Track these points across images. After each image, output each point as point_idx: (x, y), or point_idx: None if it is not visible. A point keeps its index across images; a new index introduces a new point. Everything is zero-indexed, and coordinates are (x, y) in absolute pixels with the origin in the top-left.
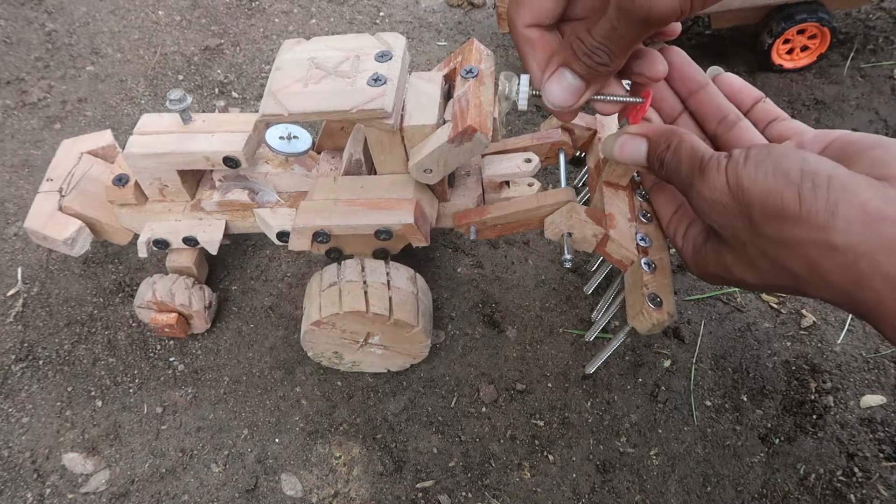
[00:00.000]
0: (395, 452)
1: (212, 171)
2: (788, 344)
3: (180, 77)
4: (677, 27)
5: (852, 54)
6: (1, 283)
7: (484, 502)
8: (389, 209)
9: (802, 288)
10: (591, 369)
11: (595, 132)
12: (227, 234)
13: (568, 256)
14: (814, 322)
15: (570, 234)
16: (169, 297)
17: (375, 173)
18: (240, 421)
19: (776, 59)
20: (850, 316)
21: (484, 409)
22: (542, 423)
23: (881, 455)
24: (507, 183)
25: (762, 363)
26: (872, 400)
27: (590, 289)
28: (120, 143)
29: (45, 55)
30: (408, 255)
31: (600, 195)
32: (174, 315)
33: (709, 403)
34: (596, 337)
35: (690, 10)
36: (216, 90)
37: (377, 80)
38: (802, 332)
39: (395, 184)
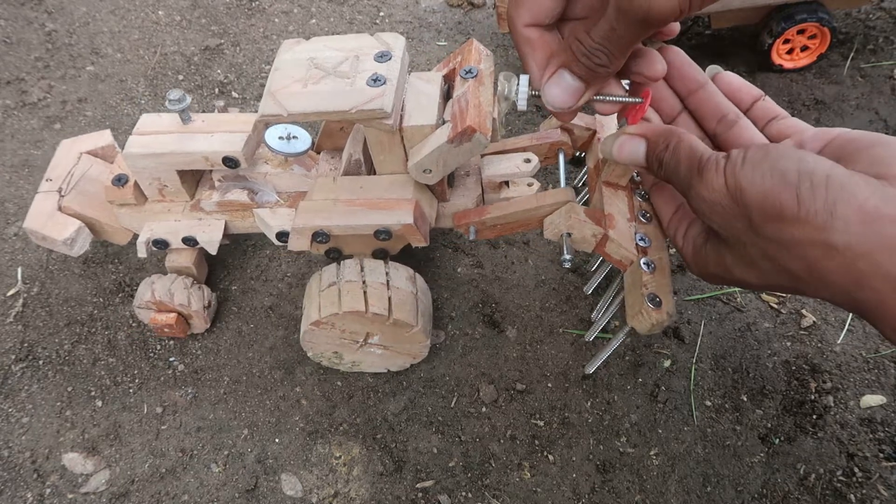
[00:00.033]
0: (395, 452)
1: (211, 171)
2: (788, 344)
3: (180, 77)
4: (676, 27)
5: (852, 54)
6: (1, 283)
7: (484, 502)
8: (389, 209)
9: (802, 288)
10: (590, 369)
11: (594, 132)
12: (226, 235)
13: (567, 256)
14: (814, 322)
15: (569, 235)
16: (168, 297)
17: (375, 173)
18: (240, 421)
19: (776, 59)
20: (850, 316)
21: (484, 409)
22: (542, 423)
23: (881, 455)
24: (507, 183)
25: (762, 363)
26: (872, 400)
27: (589, 289)
28: (120, 143)
29: (45, 55)
30: (408, 255)
31: (599, 195)
32: (173, 315)
33: (709, 403)
34: (596, 337)
35: (689, 10)
36: (216, 90)
37: (376, 81)
38: (802, 332)
39: (394, 184)
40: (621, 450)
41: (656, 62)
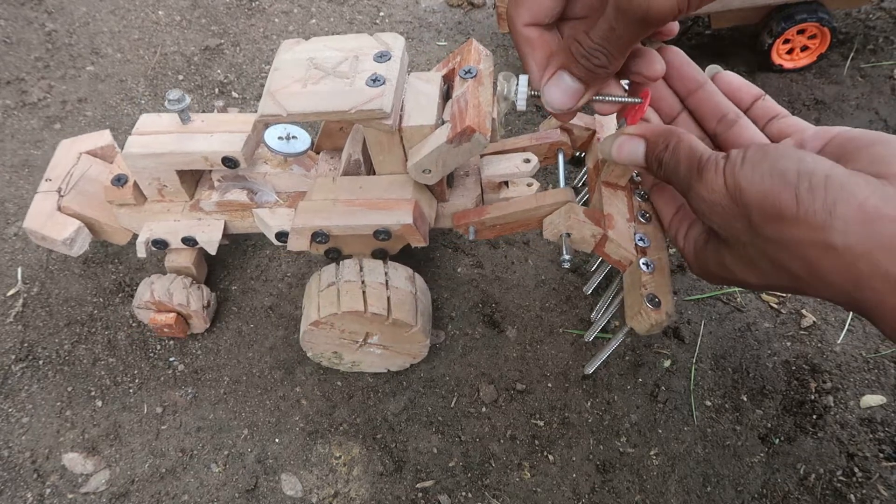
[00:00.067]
0: (395, 452)
1: (210, 171)
2: (788, 344)
3: (180, 77)
4: (675, 27)
5: (852, 54)
6: (1, 283)
7: (484, 502)
8: (388, 209)
9: (803, 287)
10: (590, 369)
11: (594, 132)
12: (226, 235)
13: (567, 257)
14: (814, 322)
15: (568, 235)
16: (167, 297)
17: (374, 173)
18: (240, 421)
19: (776, 59)
20: (850, 316)
21: (484, 409)
22: (542, 423)
23: (881, 455)
24: (506, 183)
25: (762, 363)
26: (872, 400)
27: (589, 289)
28: (120, 142)
29: (45, 55)
30: (407, 255)
31: (599, 195)
32: (172, 315)
33: (709, 403)
34: (595, 337)
35: (688, 9)
36: (216, 90)
37: (376, 81)
38: (802, 332)
39: (393, 184)
40: (621, 450)
41: (655, 62)
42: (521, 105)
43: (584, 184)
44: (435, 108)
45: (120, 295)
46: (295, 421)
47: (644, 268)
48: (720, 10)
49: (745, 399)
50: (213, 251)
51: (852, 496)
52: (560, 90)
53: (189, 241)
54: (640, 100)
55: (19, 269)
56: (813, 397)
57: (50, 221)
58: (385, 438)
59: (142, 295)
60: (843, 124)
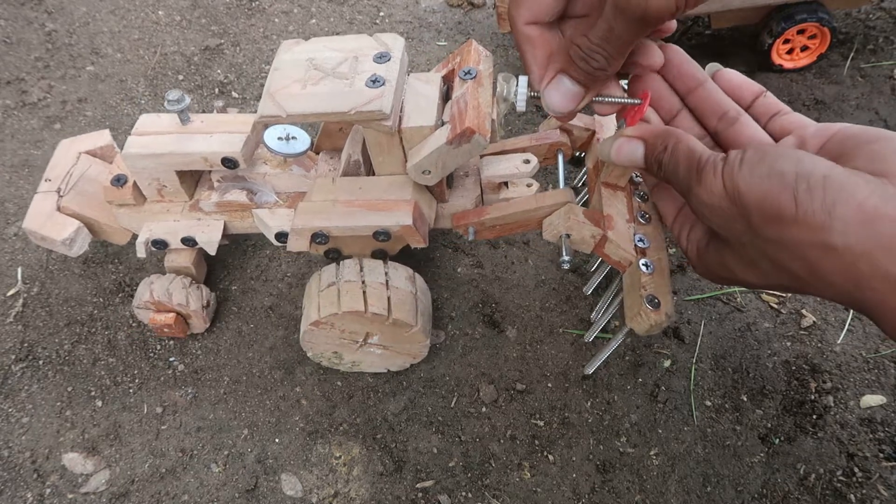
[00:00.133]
0: (395, 452)
1: (210, 171)
2: (788, 344)
3: (180, 77)
4: (673, 24)
5: (852, 54)
6: (1, 283)
7: (484, 502)
8: (388, 210)
9: (804, 287)
10: (590, 370)
11: (593, 133)
12: (225, 235)
13: (566, 258)
14: (814, 322)
15: (568, 236)
16: (166, 297)
17: (374, 174)
18: (240, 421)
19: (776, 59)
20: (850, 316)
21: (484, 409)
22: (542, 423)
23: (881, 455)
24: (506, 184)
25: (762, 363)
26: (872, 400)
27: (589, 289)
28: (120, 142)
29: (45, 55)
30: (407, 255)
31: (599, 196)
32: (172, 315)
33: (709, 403)
34: (595, 337)
35: (686, 7)
36: (216, 90)
37: (375, 82)
38: (802, 332)
39: (393, 185)
40: (621, 450)
41: (654, 52)
42: (521, 106)
43: (583, 184)
44: (434, 109)
45: (120, 295)
46: (295, 421)
47: (644, 269)
48: (720, 10)
49: (745, 399)
50: (212, 251)
51: (852, 496)
52: (560, 93)
53: (188, 242)
54: (639, 101)
55: (19, 269)
56: (813, 397)
57: (49, 221)
58: (385, 438)
59: (141, 295)
60: None
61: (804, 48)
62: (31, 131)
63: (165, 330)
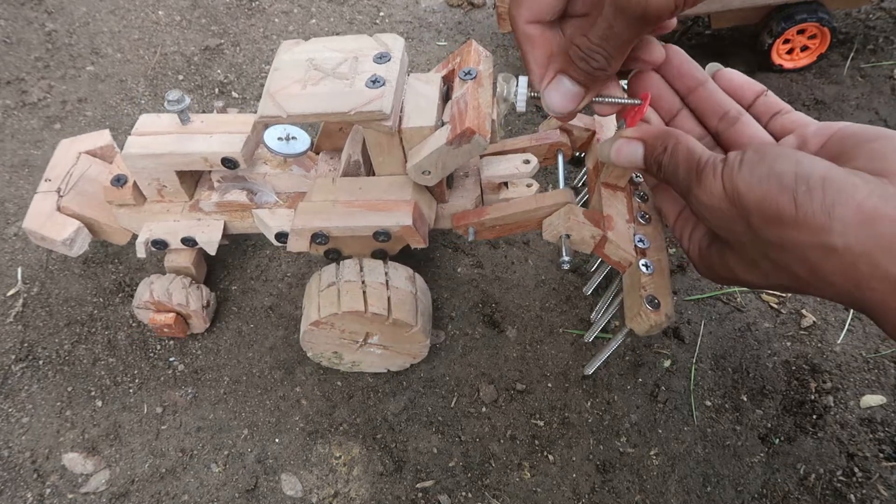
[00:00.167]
0: (395, 452)
1: (210, 171)
2: (788, 344)
3: (180, 77)
4: (672, 22)
5: (852, 54)
6: (1, 283)
7: (484, 502)
8: (388, 211)
9: (805, 288)
10: (590, 370)
11: (593, 133)
12: (225, 235)
13: (566, 258)
14: (814, 322)
15: (568, 236)
16: (166, 297)
17: (374, 174)
18: (240, 421)
19: (776, 59)
20: (850, 316)
21: (484, 409)
22: (542, 423)
23: (881, 455)
24: (506, 184)
25: (762, 363)
26: (872, 400)
27: (589, 289)
28: (120, 142)
29: (45, 55)
30: (407, 255)
31: (598, 196)
32: (172, 315)
33: (709, 403)
34: (595, 337)
35: (685, 6)
36: (216, 90)
37: (375, 82)
38: (802, 332)
39: (393, 185)
40: (621, 450)
41: (655, 48)
42: (521, 107)
43: (583, 184)
44: (434, 109)
45: (120, 295)
46: (295, 421)
47: (643, 269)
48: (720, 10)
49: (745, 399)
50: (212, 251)
51: (852, 496)
52: (560, 94)
53: (188, 242)
54: (639, 101)
55: (19, 269)
56: (813, 397)
57: (49, 221)
58: (385, 438)
59: (141, 295)
60: None
61: (804, 48)
62: (31, 131)
63: (165, 330)
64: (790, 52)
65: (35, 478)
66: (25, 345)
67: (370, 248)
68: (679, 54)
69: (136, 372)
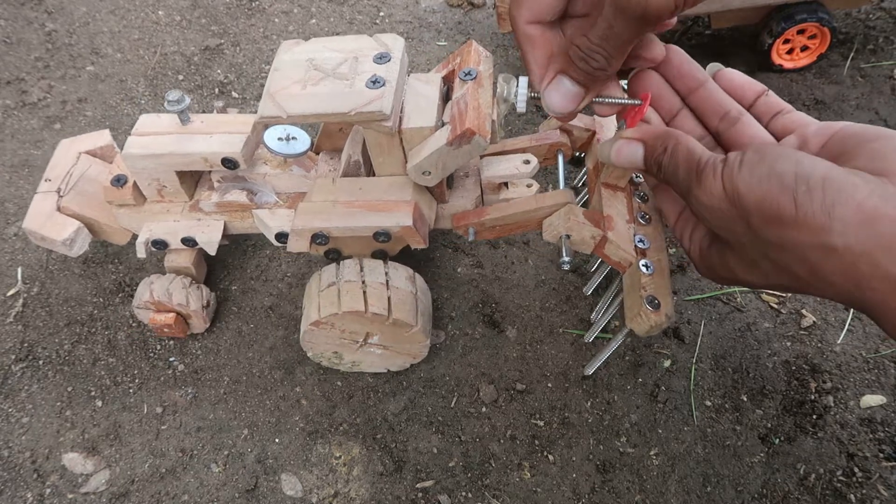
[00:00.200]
0: (395, 452)
1: (210, 171)
2: (788, 344)
3: (180, 77)
4: (672, 21)
5: (852, 54)
6: (1, 283)
7: (484, 502)
8: (388, 211)
9: (805, 288)
10: (590, 370)
11: (594, 133)
12: (225, 235)
13: (566, 258)
14: (814, 322)
15: (568, 237)
16: (166, 297)
17: (374, 175)
18: (240, 421)
19: (776, 59)
20: (850, 316)
21: (484, 409)
22: (542, 423)
23: (881, 455)
24: (506, 184)
25: (762, 363)
26: (872, 400)
27: (589, 290)
28: (120, 143)
29: (45, 55)
30: (407, 255)
31: (599, 197)
32: (172, 315)
33: (709, 403)
34: (595, 337)
35: (685, 6)
36: (216, 90)
37: (376, 83)
38: (802, 332)
39: (393, 185)
40: (621, 450)
41: (656, 46)
42: (521, 107)
43: (583, 184)
44: (435, 109)
45: (120, 295)
46: (295, 421)
47: (644, 269)
48: (720, 10)
49: (745, 399)
50: (212, 252)
51: (852, 496)
52: (560, 94)
53: (189, 242)
54: (639, 101)
55: (19, 269)
56: (813, 397)
57: (49, 222)
58: (385, 438)
59: (141, 295)
60: None
61: (804, 48)
62: (31, 131)
63: (165, 330)
64: (790, 52)
65: (35, 478)
66: (25, 345)
67: (370, 249)
68: (679, 54)
69: (136, 372)
